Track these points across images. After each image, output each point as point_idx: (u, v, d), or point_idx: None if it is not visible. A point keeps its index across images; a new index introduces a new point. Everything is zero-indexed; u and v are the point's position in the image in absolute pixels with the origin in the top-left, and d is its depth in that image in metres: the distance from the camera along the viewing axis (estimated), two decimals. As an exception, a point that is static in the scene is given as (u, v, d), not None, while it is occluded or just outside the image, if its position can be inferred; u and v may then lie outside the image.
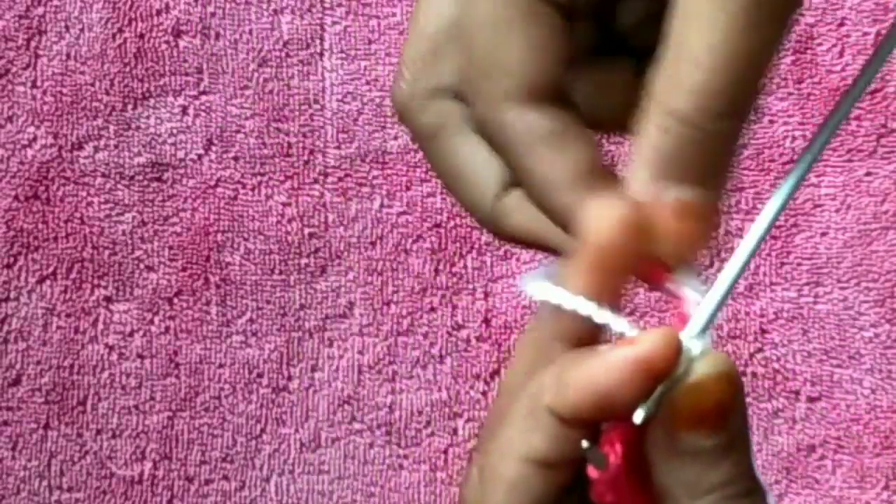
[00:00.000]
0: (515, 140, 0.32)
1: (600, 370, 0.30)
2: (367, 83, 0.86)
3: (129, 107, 0.86)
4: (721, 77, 0.29)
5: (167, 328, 0.84)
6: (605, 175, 0.33)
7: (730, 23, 0.28)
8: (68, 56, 0.86)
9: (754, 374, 0.84)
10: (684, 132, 0.30)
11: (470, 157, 0.33)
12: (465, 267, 0.85)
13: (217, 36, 0.87)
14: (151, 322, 0.84)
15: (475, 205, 0.33)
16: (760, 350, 0.84)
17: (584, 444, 0.30)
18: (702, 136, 0.30)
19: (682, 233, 0.31)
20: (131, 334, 0.84)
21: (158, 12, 0.87)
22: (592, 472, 0.31)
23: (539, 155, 0.32)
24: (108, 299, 0.84)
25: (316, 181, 0.85)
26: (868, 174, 0.85)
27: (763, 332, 0.84)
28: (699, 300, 0.33)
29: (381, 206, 0.85)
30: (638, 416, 0.30)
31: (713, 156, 0.31)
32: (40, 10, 0.86)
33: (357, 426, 0.84)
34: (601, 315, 0.31)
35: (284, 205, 0.85)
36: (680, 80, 0.30)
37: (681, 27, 0.29)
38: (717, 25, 0.29)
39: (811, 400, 0.84)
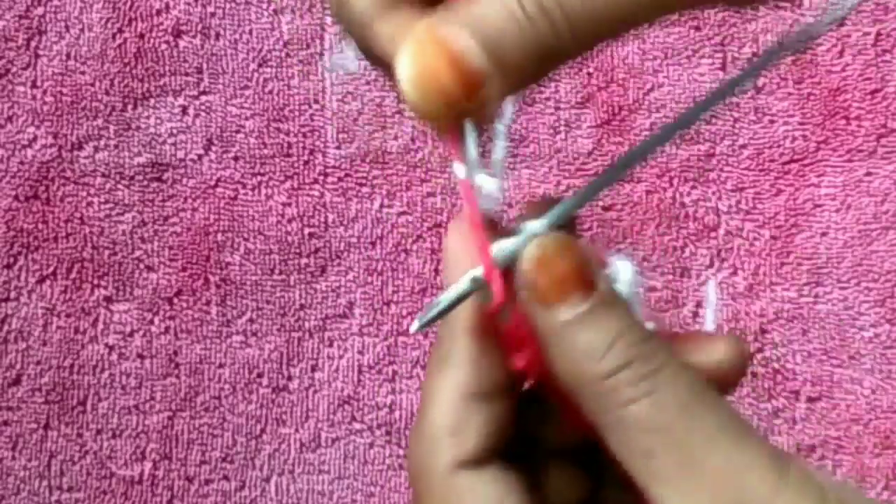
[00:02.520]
0: None
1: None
2: (367, 83, 0.86)
3: (129, 107, 0.86)
4: None
5: (167, 328, 0.84)
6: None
7: None
8: (68, 56, 0.86)
9: (754, 374, 0.84)
10: (532, 14, 0.29)
11: None
12: (465, 267, 0.85)
13: (217, 36, 0.87)
14: (151, 322, 0.84)
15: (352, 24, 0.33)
16: (760, 350, 0.84)
17: (473, 275, 0.32)
18: (546, 28, 0.29)
19: (440, 75, 0.30)
20: (131, 334, 0.84)
21: (158, 12, 0.87)
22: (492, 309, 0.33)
23: None
24: (108, 299, 0.84)
25: (316, 181, 0.85)
26: (868, 174, 0.85)
27: (763, 332, 0.84)
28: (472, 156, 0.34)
29: (381, 206, 0.85)
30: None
31: (538, 52, 0.30)
32: (40, 10, 0.86)
33: (357, 426, 0.84)
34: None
35: (284, 205, 0.85)
36: None
37: None
38: None
39: (811, 400, 0.84)
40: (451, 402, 0.33)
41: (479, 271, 0.33)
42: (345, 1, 0.32)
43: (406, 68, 0.30)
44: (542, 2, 0.29)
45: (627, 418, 0.30)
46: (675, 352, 0.32)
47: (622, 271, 0.34)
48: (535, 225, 0.33)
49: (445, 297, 0.33)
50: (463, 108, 0.30)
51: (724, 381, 0.34)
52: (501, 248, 0.33)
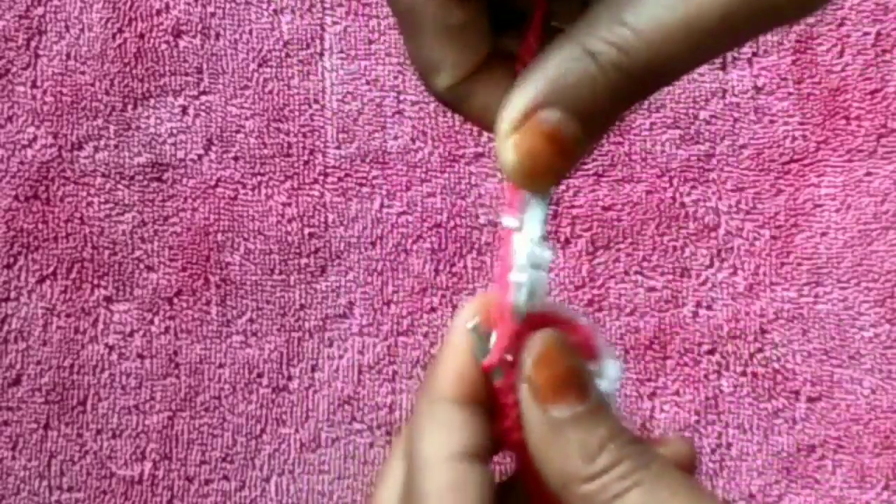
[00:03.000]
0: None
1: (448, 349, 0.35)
2: (367, 83, 0.86)
3: (129, 107, 0.86)
4: (677, 36, 0.30)
5: (167, 328, 0.84)
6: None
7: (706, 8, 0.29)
8: (68, 56, 0.86)
9: (754, 374, 0.84)
10: (604, 66, 0.30)
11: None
12: (465, 267, 0.85)
13: (217, 36, 0.87)
14: (151, 322, 0.84)
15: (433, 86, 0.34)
16: (760, 350, 0.84)
17: (470, 325, 0.34)
18: (617, 77, 0.30)
19: (543, 154, 0.31)
20: (131, 334, 0.84)
21: (158, 12, 0.87)
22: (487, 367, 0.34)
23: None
24: (108, 299, 0.84)
25: (316, 181, 0.85)
26: (868, 174, 0.85)
27: (763, 332, 0.84)
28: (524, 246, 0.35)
29: (381, 206, 0.85)
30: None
31: (613, 101, 0.31)
32: (40, 10, 0.86)
33: (357, 426, 0.84)
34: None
35: (284, 205, 0.85)
36: (638, 12, 0.30)
37: None
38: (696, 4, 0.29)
39: (811, 400, 0.84)
40: (448, 463, 0.34)
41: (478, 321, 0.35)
42: (426, 80, 0.33)
43: (508, 158, 0.32)
44: (619, 63, 0.30)
45: None
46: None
47: (610, 369, 0.35)
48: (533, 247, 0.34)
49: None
50: (563, 173, 0.32)
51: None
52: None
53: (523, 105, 0.31)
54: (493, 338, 0.34)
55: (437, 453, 0.34)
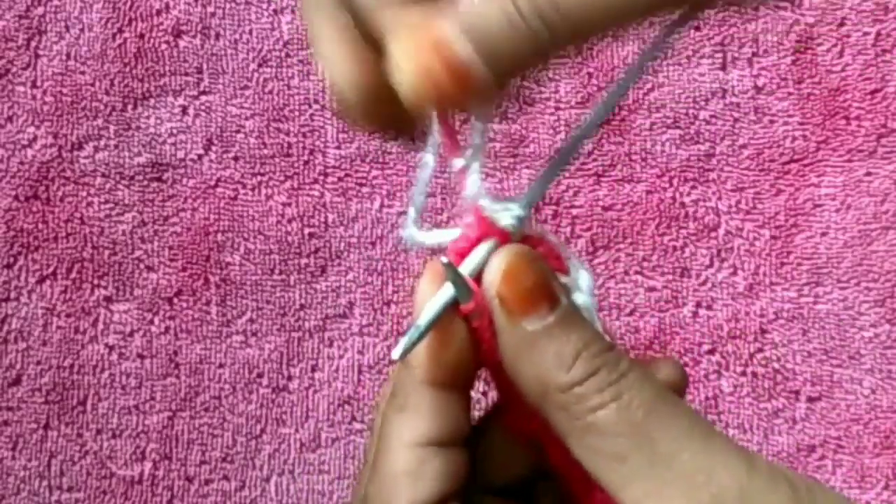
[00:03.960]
0: None
1: None
2: (367, 83, 0.86)
3: (129, 107, 0.86)
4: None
5: (167, 328, 0.84)
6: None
7: None
8: (68, 56, 0.86)
9: (754, 374, 0.84)
10: (542, 23, 0.30)
11: None
12: (465, 267, 0.85)
13: (217, 36, 0.87)
14: (151, 322, 0.84)
15: None
16: (760, 350, 0.84)
17: (443, 260, 0.34)
18: (548, 36, 0.30)
19: (438, 79, 0.31)
20: (131, 334, 0.84)
21: (158, 12, 0.87)
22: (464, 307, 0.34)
23: None
24: (108, 299, 0.84)
25: (316, 181, 0.85)
26: (868, 174, 0.85)
27: (763, 332, 0.84)
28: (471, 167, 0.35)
29: (381, 206, 0.85)
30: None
31: (525, 49, 0.30)
32: (40, 10, 0.86)
33: (357, 426, 0.84)
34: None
35: (284, 205, 0.85)
36: None
37: None
38: None
39: (811, 400, 0.84)
40: (409, 448, 0.34)
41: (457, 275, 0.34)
42: None
43: (399, 59, 0.31)
44: (541, 7, 0.30)
45: (596, 424, 0.31)
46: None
47: (582, 279, 0.35)
48: (513, 206, 0.35)
49: (424, 319, 0.34)
50: (454, 101, 0.31)
51: None
52: (475, 254, 0.34)
53: (428, 16, 0.31)
54: (466, 265, 0.34)
55: (401, 437, 0.34)
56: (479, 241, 0.35)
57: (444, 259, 0.34)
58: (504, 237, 0.35)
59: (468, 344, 0.34)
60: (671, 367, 0.37)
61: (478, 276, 0.34)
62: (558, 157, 0.36)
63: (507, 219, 0.35)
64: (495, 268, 0.33)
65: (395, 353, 0.34)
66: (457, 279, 0.34)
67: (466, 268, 0.34)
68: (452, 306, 0.34)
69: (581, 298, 0.34)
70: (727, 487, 0.30)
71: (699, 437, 0.31)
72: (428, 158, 0.35)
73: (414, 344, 0.34)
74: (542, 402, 0.32)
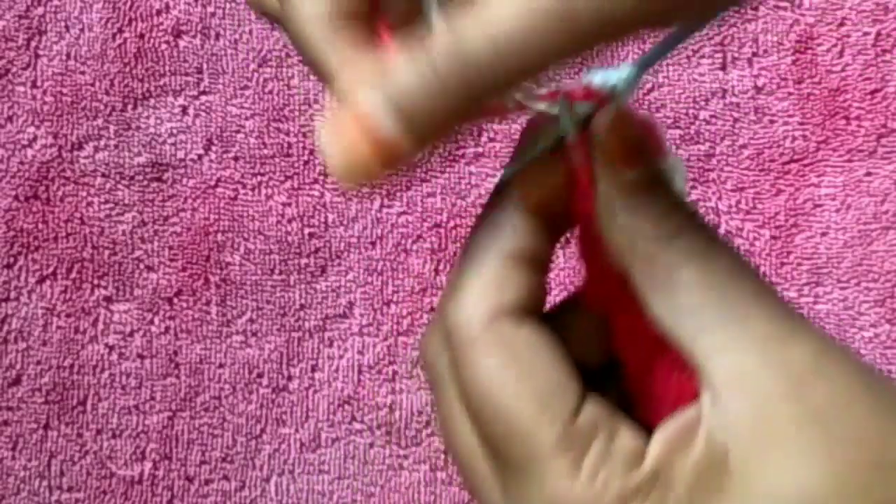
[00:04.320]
0: None
1: None
2: (367, 83, 0.86)
3: (129, 107, 0.86)
4: (519, 34, 0.29)
5: (167, 328, 0.84)
6: (354, 25, 0.34)
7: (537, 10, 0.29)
8: (68, 56, 0.86)
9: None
10: (443, 71, 0.30)
11: None
12: (465, 267, 0.85)
13: (217, 36, 0.87)
14: (151, 322, 0.84)
15: None
16: (760, 350, 0.84)
17: (551, 107, 0.34)
18: (456, 84, 0.30)
19: (362, 159, 0.32)
20: (131, 334, 0.84)
21: (158, 12, 0.87)
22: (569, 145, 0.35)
23: None
24: (108, 299, 0.84)
25: (316, 181, 0.85)
26: (868, 174, 0.85)
27: (763, 332, 0.84)
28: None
29: (381, 206, 0.85)
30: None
31: (449, 111, 0.31)
32: (40, 10, 0.86)
33: (357, 426, 0.84)
34: None
35: (284, 205, 0.85)
36: (482, 21, 0.29)
37: None
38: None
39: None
40: (496, 259, 0.35)
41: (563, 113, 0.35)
42: (290, 13, 0.33)
43: (327, 145, 0.32)
44: (447, 65, 0.30)
45: (680, 279, 0.32)
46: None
47: (678, 168, 0.36)
48: (622, 71, 0.36)
49: (541, 144, 0.35)
50: (382, 172, 0.32)
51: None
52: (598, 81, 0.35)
53: (353, 99, 0.31)
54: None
55: (491, 250, 0.36)
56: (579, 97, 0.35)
57: (563, 90, 0.35)
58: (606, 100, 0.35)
59: (565, 179, 0.35)
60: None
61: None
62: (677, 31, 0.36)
63: (613, 80, 0.36)
64: (603, 118, 0.34)
65: (507, 171, 0.35)
66: (569, 113, 0.35)
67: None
68: (559, 141, 0.35)
69: (676, 186, 0.35)
70: (804, 352, 0.31)
71: (774, 305, 0.32)
72: None
73: (525, 165, 0.35)
74: (629, 254, 0.33)
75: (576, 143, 0.35)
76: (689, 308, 0.32)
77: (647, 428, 0.33)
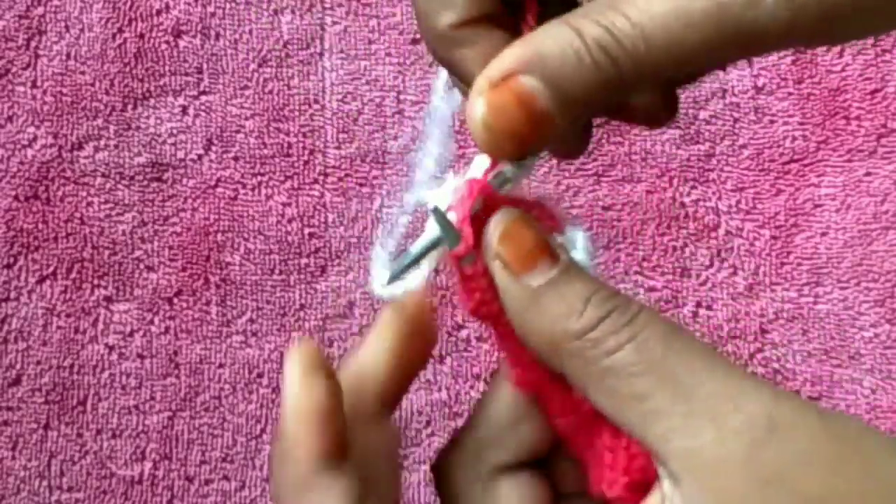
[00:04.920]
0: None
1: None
2: (367, 83, 0.86)
3: (129, 107, 0.86)
4: (666, 29, 0.30)
5: (167, 328, 0.84)
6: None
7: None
8: (68, 56, 0.86)
9: (754, 375, 0.84)
10: (590, 45, 0.30)
11: None
12: (465, 267, 0.85)
13: (217, 36, 0.87)
14: (151, 322, 0.84)
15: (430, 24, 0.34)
16: (760, 350, 0.84)
17: (431, 205, 0.34)
18: (602, 60, 0.30)
19: (511, 116, 0.32)
20: (131, 334, 0.84)
21: (158, 12, 0.87)
22: (455, 261, 0.35)
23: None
24: (108, 299, 0.84)
25: (316, 181, 0.85)
26: (868, 174, 0.85)
27: (763, 332, 0.84)
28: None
29: (381, 206, 0.85)
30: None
31: (593, 84, 0.31)
32: (40, 10, 0.86)
33: (357, 426, 0.84)
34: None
35: (284, 205, 0.85)
36: (633, 5, 0.30)
37: None
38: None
39: (811, 400, 0.84)
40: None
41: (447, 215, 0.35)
42: (427, 16, 0.34)
43: (477, 112, 0.32)
44: (606, 44, 0.30)
45: (614, 366, 0.31)
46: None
47: (578, 240, 0.35)
48: (507, 169, 0.35)
49: (415, 248, 0.36)
50: (528, 143, 0.32)
51: None
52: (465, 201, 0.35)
53: (503, 65, 0.31)
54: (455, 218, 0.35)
55: None
56: (473, 196, 0.35)
57: (431, 203, 0.35)
58: (496, 198, 0.35)
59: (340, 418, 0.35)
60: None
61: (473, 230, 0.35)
62: None
63: (499, 178, 0.35)
64: (493, 228, 0.34)
65: (380, 282, 0.36)
66: (444, 222, 0.35)
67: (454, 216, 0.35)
68: (441, 249, 0.35)
69: (578, 257, 0.35)
70: (755, 415, 0.30)
71: (720, 369, 0.31)
72: (437, 102, 0.35)
73: (402, 272, 0.36)
74: (554, 354, 0.32)
75: (457, 247, 0.34)
76: (633, 396, 0.31)
77: (601, 496, 0.33)
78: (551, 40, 0.31)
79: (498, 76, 0.31)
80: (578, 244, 0.35)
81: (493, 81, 0.31)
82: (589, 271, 0.34)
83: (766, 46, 0.30)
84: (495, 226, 0.34)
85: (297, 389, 0.35)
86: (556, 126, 0.31)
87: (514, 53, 0.31)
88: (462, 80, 0.34)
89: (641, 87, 0.32)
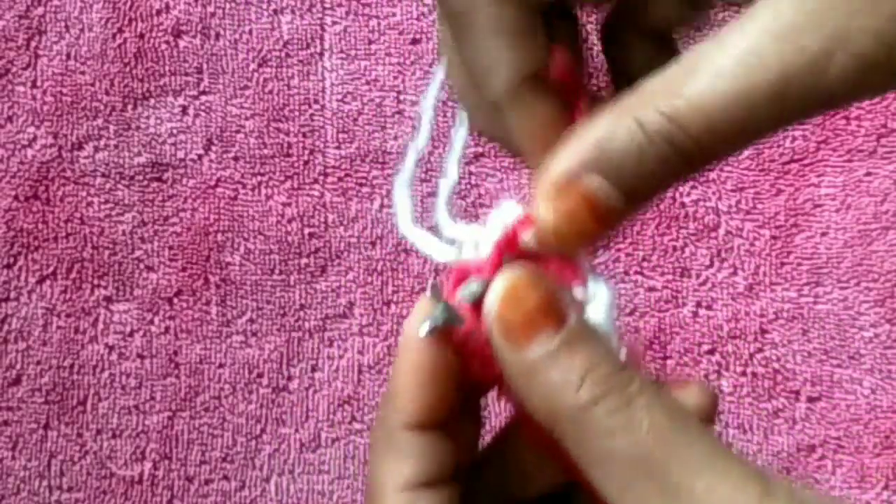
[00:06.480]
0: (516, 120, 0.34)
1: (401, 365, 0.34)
2: (367, 83, 0.86)
3: (129, 107, 0.86)
4: (731, 110, 0.29)
5: (167, 328, 0.84)
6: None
7: (769, 74, 0.29)
8: (68, 56, 0.86)
9: (754, 374, 0.84)
10: (652, 137, 0.30)
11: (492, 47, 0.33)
12: (465, 267, 0.85)
13: (217, 36, 0.87)
14: (151, 322, 0.84)
15: (489, 85, 0.33)
16: (760, 350, 0.84)
17: (430, 282, 0.33)
18: (666, 150, 0.30)
19: (581, 219, 0.32)
20: (131, 334, 0.84)
21: (158, 12, 0.87)
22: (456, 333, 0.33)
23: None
24: (108, 299, 0.84)
25: (316, 181, 0.85)
26: (868, 174, 0.85)
27: (763, 332, 0.84)
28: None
29: (381, 206, 0.85)
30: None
31: (658, 174, 0.31)
32: (40, 10, 0.86)
33: (357, 426, 0.84)
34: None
35: (284, 205, 0.85)
36: (692, 83, 0.29)
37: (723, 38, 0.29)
38: (765, 64, 0.29)
39: (811, 400, 0.84)
40: (397, 493, 0.34)
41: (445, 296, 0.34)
42: (480, 81, 0.33)
43: (547, 220, 0.32)
44: (670, 136, 0.30)
45: (607, 451, 0.31)
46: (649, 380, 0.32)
47: (599, 296, 0.34)
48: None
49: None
50: (595, 237, 0.32)
51: None
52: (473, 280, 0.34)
53: (567, 166, 0.31)
54: (462, 294, 0.34)
55: (388, 482, 0.34)
56: (499, 255, 0.34)
57: (432, 281, 0.34)
58: (518, 250, 0.34)
59: (450, 386, 0.34)
60: (699, 391, 0.36)
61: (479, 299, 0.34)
62: None
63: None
64: (493, 292, 0.33)
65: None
66: (444, 303, 0.33)
67: (469, 288, 0.34)
68: (445, 329, 0.34)
69: (596, 314, 0.33)
70: None
71: (712, 463, 0.30)
72: (462, 117, 0.35)
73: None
74: (552, 426, 0.32)
75: (460, 326, 0.33)
76: (622, 483, 0.30)
77: None
78: (613, 136, 0.30)
79: (563, 180, 0.31)
80: (600, 300, 0.34)
81: (560, 186, 0.31)
82: (607, 330, 0.33)
83: (831, 109, 0.30)
84: (496, 288, 0.32)
85: (418, 343, 0.34)
86: (625, 215, 0.32)
87: (576, 153, 0.31)
88: (509, 149, 0.34)
89: (706, 165, 0.31)
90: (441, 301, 0.34)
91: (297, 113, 0.86)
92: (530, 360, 0.31)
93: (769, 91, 0.29)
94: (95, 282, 0.84)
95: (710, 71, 0.29)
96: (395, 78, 0.86)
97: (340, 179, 0.85)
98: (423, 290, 0.85)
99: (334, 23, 0.87)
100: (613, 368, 0.31)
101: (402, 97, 0.86)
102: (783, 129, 0.31)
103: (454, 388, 0.34)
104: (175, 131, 0.85)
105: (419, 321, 0.34)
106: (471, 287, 0.33)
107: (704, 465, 0.30)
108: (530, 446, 0.36)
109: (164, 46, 0.86)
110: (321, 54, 0.86)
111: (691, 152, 0.30)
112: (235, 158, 0.85)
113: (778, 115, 0.29)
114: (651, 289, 0.84)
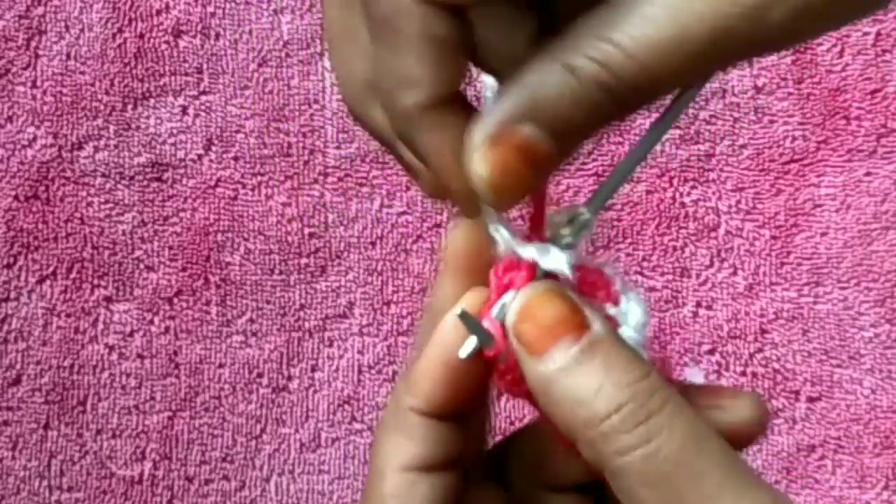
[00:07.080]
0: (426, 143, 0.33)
1: (433, 355, 0.34)
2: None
3: (129, 107, 0.86)
4: (666, 58, 0.29)
5: (167, 328, 0.84)
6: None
7: (698, 20, 0.28)
8: (68, 56, 0.86)
9: (754, 374, 0.84)
10: (585, 82, 0.29)
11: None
12: (465, 267, 0.85)
13: (217, 36, 0.87)
14: (151, 322, 0.84)
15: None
16: (760, 350, 0.84)
17: (459, 311, 0.33)
18: (599, 95, 0.29)
19: (515, 168, 0.31)
20: (131, 334, 0.84)
21: (158, 12, 0.87)
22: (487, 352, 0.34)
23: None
24: (108, 299, 0.84)
25: (316, 181, 0.85)
26: (868, 174, 0.85)
27: (763, 332, 0.84)
28: (508, 242, 0.35)
29: (381, 206, 0.85)
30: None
31: (591, 118, 0.30)
32: (40, 10, 0.86)
33: (357, 426, 0.84)
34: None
35: (284, 205, 0.85)
36: (623, 29, 0.29)
37: None
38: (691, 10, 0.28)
39: (811, 400, 0.84)
40: (398, 472, 0.34)
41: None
42: (394, 89, 0.32)
43: (481, 172, 0.31)
44: (603, 82, 0.29)
45: (623, 469, 0.30)
46: (682, 398, 0.31)
47: (632, 312, 0.34)
48: (583, 211, 0.35)
49: (465, 350, 0.34)
50: (531, 186, 0.31)
51: (743, 438, 0.34)
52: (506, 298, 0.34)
53: (499, 118, 0.30)
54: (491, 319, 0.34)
55: (391, 461, 0.34)
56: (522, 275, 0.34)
57: (460, 310, 0.34)
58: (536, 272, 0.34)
59: (472, 389, 0.34)
60: (747, 404, 0.34)
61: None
62: (601, 192, 0.36)
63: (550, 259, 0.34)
64: (514, 305, 0.33)
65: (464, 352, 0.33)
66: (475, 328, 0.33)
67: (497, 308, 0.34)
68: (478, 351, 0.34)
69: (627, 333, 0.33)
70: None
71: (731, 488, 0.30)
72: (489, 81, 0.34)
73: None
74: (573, 437, 0.31)
75: (490, 348, 0.33)
76: (636, 502, 0.30)
77: None
78: (545, 84, 0.30)
79: (497, 132, 0.30)
80: (630, 316, 0.33)
81: (493, 138, 0.30)
82: (638, 347, 0.33)
83: (769, 53, 0.30)
84: (516, 302, 0.32)
85: (449, 337, 0.34)
86: (558, 161, 0.31)
87: (510, 105, 0.30)
88: (417, 157, 0.33)
89: (639, 109, 0.31)
90: (472, 325, 0.34)
91: (297, 113, 0.86)
92: (549, 370, 0.31)
93: (704, 39, 0.28)
94: (95, 282, 0.84)
95: (642, 14, 0.29)
96: (395, 78, 0.86)
97: (340, 179, 0.85)
98: (424, 289, 0.85)
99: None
100: (634, 377, 0.31)
101: (402, 97, 0.86)
102: (718, 71, 0.30)
103: (476, 391, 0.34)
104: (175, 131, 0.85)
105: (459, 309, 0.34)
106: (503, 306, 0.34)
107: (722, 490, 0.29)
108: (553, 441, 0.36)
109: (164, 46, 0.86)
110: (321, 54, 0.86)
111: (624, 97, 0.30)
112: (235, 158, 0.85)
113: (713, 61, 0.29)
114: (651, 289, 0.84)
